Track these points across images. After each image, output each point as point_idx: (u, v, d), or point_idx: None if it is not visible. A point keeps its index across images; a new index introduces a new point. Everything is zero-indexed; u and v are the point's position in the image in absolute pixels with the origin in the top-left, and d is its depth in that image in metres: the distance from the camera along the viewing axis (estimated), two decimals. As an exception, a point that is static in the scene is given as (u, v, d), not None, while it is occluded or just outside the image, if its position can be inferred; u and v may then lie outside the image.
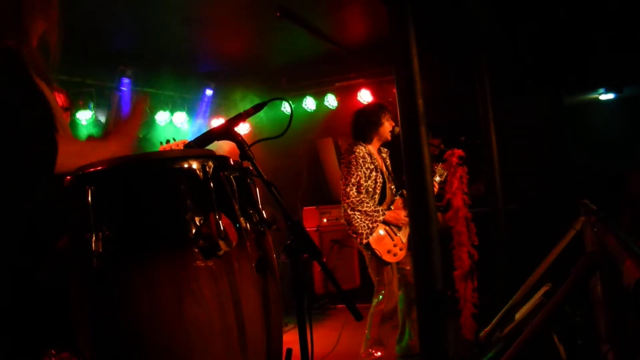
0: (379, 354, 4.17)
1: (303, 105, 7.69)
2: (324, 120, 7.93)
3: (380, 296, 4.17)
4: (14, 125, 1.75)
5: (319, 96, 7.72)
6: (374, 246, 4.15)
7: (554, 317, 2.56)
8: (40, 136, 1.78)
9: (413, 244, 3.37)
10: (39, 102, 1.85)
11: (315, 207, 7.62)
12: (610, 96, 8.25)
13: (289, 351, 1.92)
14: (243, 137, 1.94)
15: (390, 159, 4.57)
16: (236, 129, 1.98)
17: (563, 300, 2.53)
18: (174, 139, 5.15)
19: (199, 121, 7.89)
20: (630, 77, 7.29)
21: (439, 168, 4.66)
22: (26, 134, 1.76)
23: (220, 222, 1.59)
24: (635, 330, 2.12)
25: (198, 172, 1.64)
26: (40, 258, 1.75)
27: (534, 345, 2.61)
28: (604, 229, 2.60)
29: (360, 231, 4.13)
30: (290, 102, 2.31)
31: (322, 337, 5.12)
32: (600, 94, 8.23)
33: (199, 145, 1.96)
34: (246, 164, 1.89)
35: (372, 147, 4.38)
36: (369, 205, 4.17)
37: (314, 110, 7.79)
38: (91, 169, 1.64)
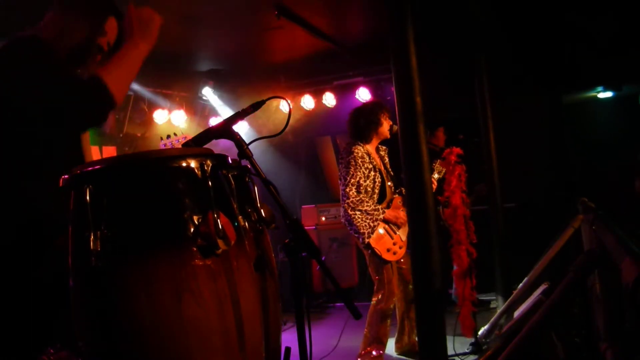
0: (378, 352, 4.17)
1: (301, 103, 7.69)
2: (322, 119, 7.92)
3: (380, 295, 4.17)
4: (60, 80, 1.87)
5: (317, 94, 7.70)
6: (373, 245, 4.14)
7: (552, 315, 2.57)
8: (83, 80, 1.91)
9: (412, 242, 3.37)
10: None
11: (313, 205, 7.62)
12: (608, 94, 8.25)
13: (288, 350, 1.92)
14: (241, 135, 1.94)
15: (388, 157, 4.56)
16: (234, 127, 1.97)
17: (561, 299, 2.53)
18: (175, 134, 5.15)
19: (197, 120, 7.88)
20: (629, 76, 7.29)
21: (437, 165, 4.66)
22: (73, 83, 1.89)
23: (218, 220, 1.58)
24: (633, 328, 2.13)
25: (196, 170, 1.64)
26: (40, 257, 1.75)
27: (533, 343, 2.61)
28: (603, 227, 2.61)
29: (362, 231, 4.13)
30: (288, 100, 2.31)
31: (321, 335, 5.12)
32: (598, 92, 8.23)
33: (197, 144, 1.96)
34: (244, 162, 1.89)
35: (370, 147, 4.38)
36: (369, 204, 4.16)
37: (312, 109, 7.78)
38: (89, 168, 1.64)
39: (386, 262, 4.17)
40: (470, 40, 5.77)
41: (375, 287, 4.25)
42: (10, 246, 1.78)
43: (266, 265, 1.83)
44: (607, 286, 2.68)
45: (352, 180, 4.17)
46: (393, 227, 4.27)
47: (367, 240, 4.13)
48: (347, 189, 4.16)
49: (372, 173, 4.25)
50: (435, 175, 4.65)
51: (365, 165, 4.22)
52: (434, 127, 5.90)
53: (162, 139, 5.19)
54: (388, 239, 4.21)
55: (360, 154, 4.22)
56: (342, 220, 4.30)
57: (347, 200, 4.16)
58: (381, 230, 4.20)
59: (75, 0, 2.10)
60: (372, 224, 4.14)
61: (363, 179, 4.20)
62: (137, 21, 2.02)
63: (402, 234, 4.30)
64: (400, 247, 4.24)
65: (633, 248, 1.90)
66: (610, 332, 2.66)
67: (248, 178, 1.90)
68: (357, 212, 4.15)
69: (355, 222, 4.14)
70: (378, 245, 4.15)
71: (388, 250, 4.17)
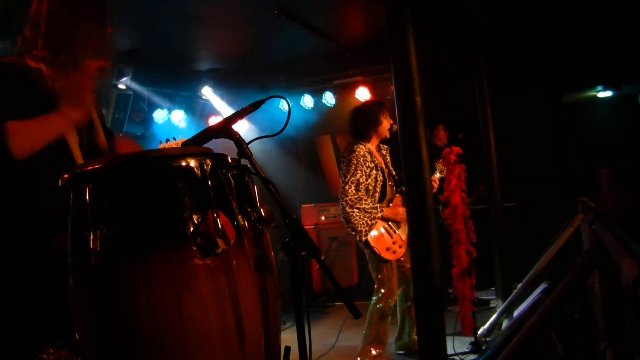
0: (378, 351, 4.17)
1: (301, 103, 7.69)
2: (322, 118, 7.92)
3: (380, 294, 4.17)
4: None
5: (317, 94, 7.70)
6: (372, 244, 4.14)
7: (552, 314, 2.56)
8: None
9: (411, 241, 3.37)
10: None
11: (313, 204, 7.63)
12: (608, 94, 8.25)
13: (287, 349, 1.92)
14: (241, 135, 1.94)
15: (390, 156, 4.57)
16: (234, 126, 1.97)
17: (561, 298, 2.53)
18: (174, 138, 5.14)
19: (197, 119, 7.88)
20: (629, 75, 7.29)
21: (439, 165, 4.66)
22: None
23: (218, 220, 1.59)
24: (633, 327, 2.13)
25: (196, 170, 1.64)
26: (39, 256, 1.75)
27: (533, 343, 2.61)
28: (602, 227, 2.61)
29: (359, 229, 4.13)
30: (288, 99, 2.31)
31: (321, 334, 5.13)
32: (598, 91, 8.23)
33: (196, 143, 1.96)
34: (244, 161, 1.89)
35: (371, 145, 4.38)
36: (367, 202, 4.16)
37: (312, 108, 7.78)
38: (89, 167, 1.64)
39: (386, 261, 4.17)
40: (470, 39, 5.77)
41: (375, 286, 4.25)
42: (9, 246, 1.78)
43: (266, 265, 1.83)
44: (607, 286, 2.68)
45: (352, 179, 4.17)
46: (393, 226, 4.27)
47: (364, 238, 4.14)
48: (347, 187, 4.17)
49: (374, 172, 4.25)
50: (437, 175, 4.64)
51: (367, 164, 4.22)
52: (433, 126, 5.90)
53: (160, 142, 5.18)
54: (387, 238, 4.21)
55: (362, 153, 4.22)
56: (341, 218, 4.31)
57: (346, 198, 4.17)
58: (381, 230, 4.20)
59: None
60: (369, 222, 4.14)
61: (364, 177, 4.20)
62: (70, 90, 1.97)
63: (402, 233, 4.29)
64: (399, 246, 4.24)
65: (633, 247, 1.90)
66: (610, 332, 2.66)
67: (248, 177, 1.90)
68: (355, 210, 4.15)
69: (352, 220, 4.15)
70: (377, 244, 4.16)
71: (387, 249, 4.17)
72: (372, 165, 4.25)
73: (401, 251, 4.26)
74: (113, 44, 2.11)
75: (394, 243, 4.21)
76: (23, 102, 1.89)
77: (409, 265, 4.35)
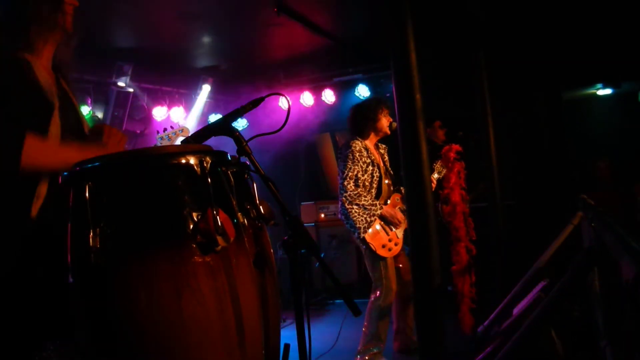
0: (377, 349, 4.17)
1: (301, 100, 7.68)
2: (322, 116, 7.92)
3: (378, 292, 4.17)
4: None
5: (317, 91, 7.70)
6: (368, 240, 4.15)
7: (552, 312, 2.57)
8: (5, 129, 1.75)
9: (411, 239, 3.37)
10: (18, 101, 1.83)
11: (313, 202, 7.63)
12: (607, 91, 8.24)
13: (287, 346, 1.92)
14: (240, 132, 1.94)
15: (388, 155, 4.56)
16: (234, 124, 1.97)
17: (561, 296, 2.53)
18: (172, 127, 5.17)
19: (196, 117, 7.88)
20: (628, 73, 7.28)
21: (437, 165, 4.65)
22: None
23: (217, 217, 1.58)
24: (633, 325, 2.13)
25: (196, 167, 1.64)
26: (38, 255, 1.75)
27: (532, 341, 2.61)
28: (602, 224, 2.60)
29: (358, 225, 4.14)
30: (287, 97, 2.30)
31: (321, 332, 5.13)
32: (598, 89, 8.22)
33: (196, 140, 1.96)
34: (244, 159, 1.89)
35: (369, 142, 4.38)
36: (366, 199, 4.16)
37: (312, 106, 7.78)
38: (89, 165, 1.63)
39: (381, 258, 4.17)
40: (469, 37, 5.77)
41: (373, 284, 4.25)
42: (7, 244, 1.78)
43: (265, 262, 1.83)
44: (607, 283, 2.68)
45: (350, 174, 4.17)
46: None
47: (362, 235, 4.14)
48: (345, 182, 4.17)
49: (370, 167, 4.25)
50: (435, 175, 4.64)
51: (363, 160, 4.22)
52: (429, 124, 5.89)
53: (158, 132, 5.22)
54: (384, 235, 4.21)
55: (358, 148, 4.23)
56: (339, 215, 4.31)
57: (345, 194, 4.17)
58: (377, 227, 4.21)
59: None
60: (368, 219, 4.15)
61: (361, 172, 4.20)
62: (114, 139, 2.05)
63: (399, 231, 4.29)
64: (395, 244, 4.24)
65: (633, 245, 1.90)
66: (609, 330, 2.66)
67: (247, 175, 1.90)
68: (355, 206, 4.15)
69: (352, 216, 4.15)
70: (373, 240, 4.16)
71: (383, 246, 4.17)
72: (369, 160, 4.25)
73: (397, 249, 4.26)
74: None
75: (389, 240, 4.21)
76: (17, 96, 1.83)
77: (404, 266, 4.36)
